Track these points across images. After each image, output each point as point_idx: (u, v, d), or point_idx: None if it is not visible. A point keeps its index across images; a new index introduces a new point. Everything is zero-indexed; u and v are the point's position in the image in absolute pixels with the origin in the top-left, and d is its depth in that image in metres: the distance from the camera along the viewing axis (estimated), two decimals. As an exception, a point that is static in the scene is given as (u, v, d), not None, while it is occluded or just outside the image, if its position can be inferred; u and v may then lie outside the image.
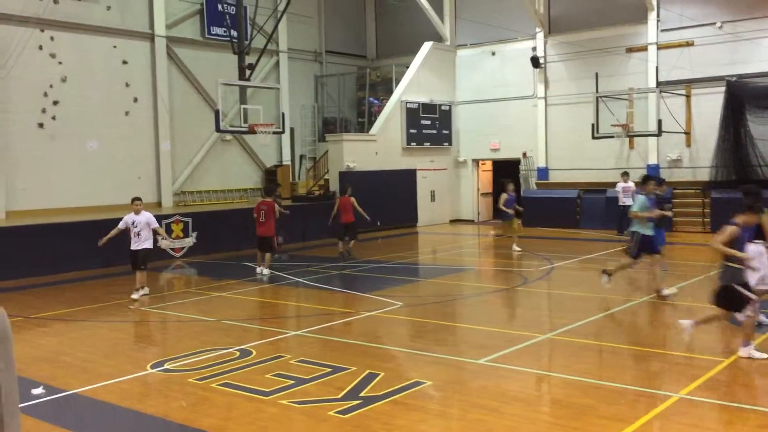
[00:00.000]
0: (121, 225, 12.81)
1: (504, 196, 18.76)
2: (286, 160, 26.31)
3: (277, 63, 26.22)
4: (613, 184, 23.68)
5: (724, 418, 6.41)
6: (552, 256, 17.27)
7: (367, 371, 7.92)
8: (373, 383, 7.52)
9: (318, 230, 21.19)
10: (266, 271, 15.29)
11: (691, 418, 6.42)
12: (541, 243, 20.69)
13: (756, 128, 20.83)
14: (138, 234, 12.70)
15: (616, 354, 8.86)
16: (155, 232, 13.17)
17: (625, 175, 21.14)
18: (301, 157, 27.77)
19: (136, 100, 21.84)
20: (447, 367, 8.30)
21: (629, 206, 18.96)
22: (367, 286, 13.88)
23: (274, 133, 19.91)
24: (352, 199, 18.20)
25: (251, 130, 18.96)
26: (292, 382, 7.67)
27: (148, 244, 12.88)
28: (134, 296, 12.74)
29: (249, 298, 13.19)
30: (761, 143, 20.81)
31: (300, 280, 14.73)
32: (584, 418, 6.45)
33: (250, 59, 19.52)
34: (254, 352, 8.97)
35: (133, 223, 12.67)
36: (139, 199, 12.99)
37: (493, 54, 27.02)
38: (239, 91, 19.56)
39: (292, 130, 26.35)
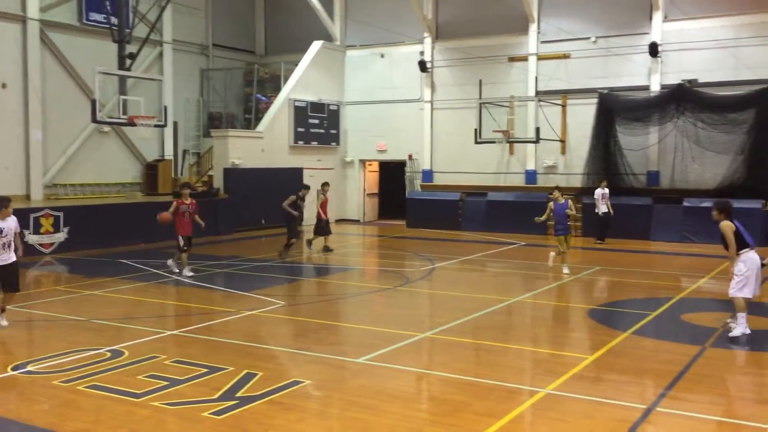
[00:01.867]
0: None
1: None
2: (169, 154, 25.46)
3: (161, 54, 25.35)
4: (495, 188, 24.58)
5: (586, 412, 6.77)
6: (434, 257, 17.65)
7: (245, 371, 7.80)
8: (250, 383, 7.41)
9: (199, 227, 20.60)
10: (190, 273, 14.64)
11: (556, 412, 6.74)
12: (423, 244, 21.11)
13: (624, 139, 22.15)
14: (7, 245, 9.93)
15: (490, 351, 9.16)
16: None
17: (604, 180, 20.60)
18: (185, 152, 26.96)
19: (4, 86, 20.50)
20: (327, 366, 8.31)
21: (606, 214, 20.00)
22: (249, 284, 13.66)
23: (156, 126, 19.27)
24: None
25: (131, 123, 18.24)
26: (166, 383, 7.44)
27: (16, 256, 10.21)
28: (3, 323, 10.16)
29: (125, 296, 12.68)
30: (629, 153, 22.15)
31: (180, 278, 14.32)
32: (458, 414, 6.63)
33: (131, 48, 18.77)
34: (127, 353, 8.63)
35: (1, 232, 9.89)
36: (7, 200, 10.09)
37: (382, 56, 27.32)
38: (119, 81, 18.74)
39: (175, 124, 25.56)
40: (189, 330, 9.97)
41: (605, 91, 22.48)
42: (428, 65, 26.01)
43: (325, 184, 19.64)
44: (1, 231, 9.83)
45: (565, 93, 23.69)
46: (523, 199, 23.66)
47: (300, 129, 25.74)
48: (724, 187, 20.49)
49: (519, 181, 24.59)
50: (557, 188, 15.76)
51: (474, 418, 6.48)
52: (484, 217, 24.01)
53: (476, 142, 22.80)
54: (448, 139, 25.87)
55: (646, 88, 22.32)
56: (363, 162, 28.24)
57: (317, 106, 26.46)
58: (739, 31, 21.11)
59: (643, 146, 22.16)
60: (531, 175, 24.45)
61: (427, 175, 26.42)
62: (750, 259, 9.37)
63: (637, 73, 22.53)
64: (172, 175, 24.94)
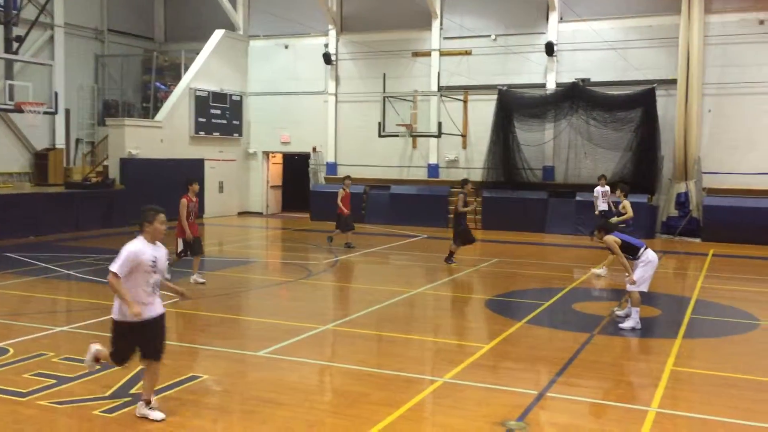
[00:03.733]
0: None
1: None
2: (60, 143, 24.28)
3: (52, 38, 24.08)
4: (398, 181, 24.84)
5: (481, 399, 6.97)
6: (337, 250, 17.67)
7: (139, 368, 7.55)
8: (145, 379, 7.20)
9: (93, 219, 19.87)
10: (201, 279, 12.69)
11: (453, 399, 6.91)
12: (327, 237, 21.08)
13: (522, 135, 22.86)
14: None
15: (392, 342, 9.27)
16: None
17: (603, 177, 18.71)
18: (78, 140, 25.80)
19: None
20: (225, 360, 8.19)
21: (606, 212, 17.62)
22: (147, 278, 13.23)
23: (45, 113, 18.41)
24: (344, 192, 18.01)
25: (18, 109, 17.35)
26: (54, 381, 7.13)
27: None
28: None
29: (11, 292, 12.03)
30: (526, 149, 22.88)
31: (71, 272, 13.72)
32: (358, 405, 6.69)
33: (18, 31, 17.80)
34: (12, 351, 8.21)
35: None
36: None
37: (287, 47, 27.04)
38: (5, 66, 17.75)
39: (67, 111, 24.40)
40: (80, 326, 9.59)
41: (504, 88, 23.12)
42: (333, 58, 25.95)
43: (347, 178, 18.91)
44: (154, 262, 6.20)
45: (467, 89, 24.19)
46: (425, 192, 24.05)
47: (201, 119, 25.15)
48: (615, 182, 21.44)
49: (422, 174, 24.95)
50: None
51: (373, 408, 6.55)
52: (388, 210, 24.24)
53: (380, 136, 22.95)
54: (353, 132, 25.92)
55: (543, 86, 23.10)
56: (266, 154, 27.89)
57: (219, 96, 25.92)
58: (628, 33, 22.17)
59: (540, 142, 22.93)
60: (433, 169, 24.86)
61: (332, 167, 26.39)
62: (648, 260, 9.81)
63: (534, 71, 23.27)
64: (64, 165, 23.83)
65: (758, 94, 20.58)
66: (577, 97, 21.98)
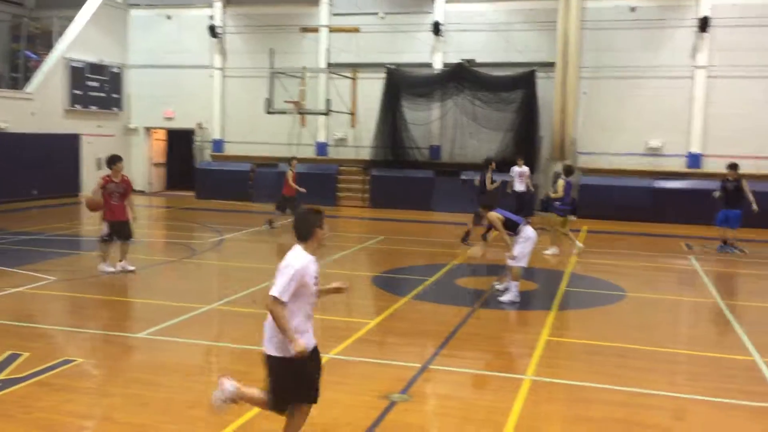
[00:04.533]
0: None
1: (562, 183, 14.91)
2: None
3: None
4: (286, 159, 24.53)
5: (366, 373, 7.07)
6: (223, 228, 17.34)
7: (9, 352, 7.17)
8: (14, 365, 6.84)
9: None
10: (130, 266, 11.67)
11: (338, 375, 6.96)
12: (213, 215, 20.66)
13: (410, 114, 23.16)
14: None
15: (277, 321, 9.21)
16: None
17: (520, 158, 18.59)
18: (-62, 112, 23.90)
19: None
20: (103, 343, 7.89)
21: (524, 193, 17.97)
22: (16, 260, 12.50)
23: None
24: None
25: None
26: None
27: None
28: None
29: None
30: (413, 128, 23.20)
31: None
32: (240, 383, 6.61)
33: None
34: None
35: None
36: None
37: (169, 18, 26.04)
38: None
39: (-76, 80, 22.55)
40: (-59, 311, 8.95)
41: (392, 67, 23.28)
42: (219, 31, 25.23)
43: (294, 158, 18.49)
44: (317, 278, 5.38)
45: (356, 66, 24.18)
46: (313, 170, 23.91)
47: (77, 92, 23.88)
48: (497, 161, 22.12)
49: (310, 152, 24.80)
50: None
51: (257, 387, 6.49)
52: (275, 188, 23.85)
53: (267, 112, 22.61)
54: (240, 108, 25.38)
55: (430, 65, 23.44)
56: (149, 129, 26.87)
57: (97, 68, 24.68)
58: (510, 16, 22.83)
59: (427, 121, 23.31)
60: (322, 147, 24.78)
61: (218, 144, 25.78)
62: (528, 236, 10.15)
63: (421, 50, 23.55)
64: None
65: (629, 78, 21.77)
66: (462, 77, 22.47)
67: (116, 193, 11.35)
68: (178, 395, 6.29)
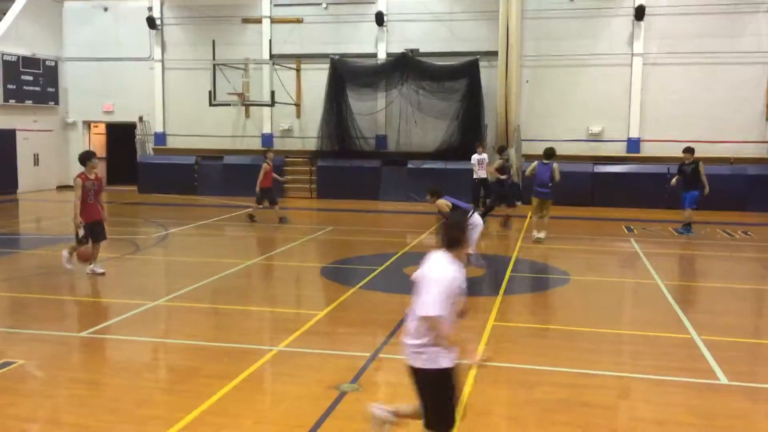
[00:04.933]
0: None
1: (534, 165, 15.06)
2: None
3: None
4: (231, 152, 24.29)
5: (315, 365, 7.08)
6: (168, 223, 17.06)
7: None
8: (-49, 370, 6.63)
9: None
10: (99, 269, 11.09)
11: (288, 367, 6.97)
12: (157, 210, 20.32)
13: (355, 104, 23.13)
14: None
15: (226, 315, 9.15)
16: None
17: (480, 145, 18.76)
18: None
19: None
20: (44, 343, 7.69)
21: (482, 179, 18.03)
22: (-49, 261, 12.10)
23: None
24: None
25: None
26: None
27: None
28: None
29: None
30: (359, 118, 23.19)
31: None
32: (189, 380, 6.56)
33: None
34: None
35: None
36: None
37: (106, 10, 25.42)
38: None
39: None
40: None
41: (337, 57, 23.20)
42: (158, 22, 24.72)
43: (269, 151, 18.28)
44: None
45: (300, 57, 24.02)
46: (259, 162, 23.66)
47: (11, 86, 23.13)
48: (442, 150, 22.39)
49: (256, 144, 24.57)
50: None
51: (206, 382, 6.45)
52: (221, 181, 23.68)
53: (211, 105, 22.29)
54: (182, 100, 24.96)
55: (374, 55, 23.44)
56: (87, 123, 26.21)
57: (31, 61, 23.93)
58: (453, 5, 22.97)
59: (372, 111, 23.33)
60: (267, 139, 24.57)
61: (160, 138, 25.32)
62: (474, 223, 10.26)
63: (365, 40, 23.53)
64: None
65: (569, 66, 22.17)
66: (406, 67, 22.54)
67: (92, 191, 10.80)
68: (125, 394, 6.19)
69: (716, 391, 6.40)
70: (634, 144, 22.04)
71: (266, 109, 24.06)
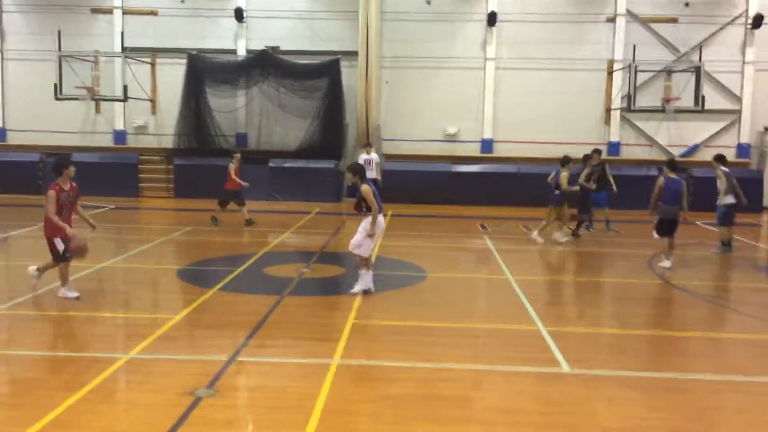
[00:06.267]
0: None
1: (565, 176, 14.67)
2: None
3: None
4: (80, 149, 22.96)
5: (169, 371, 6.84)
6: (9, 225, 15.88)
7: None
8: None
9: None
10: (72, 294, 9.45)
11: (140, 375, 6.69)
12: (-3, 211, 18.87)
13: (214, 101, 22.59)
14: None
15: (74, 322, 8.64)
16: None
17: (368, 146, 18.79)
18: None
19: None
20: None
21: (374, 180, 16.92)
22: None
23: None
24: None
25: None
26: None
27: None
28: None
29: None
30: (219, 115, 22.67)
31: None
32: (29, 393, 6.14)
33: None
34: None
35: None
36: None
37: (-66, -7, 23.26)
38: None
39: None
40: None
41: (194, 52, 22.54)
42: (-4, 9, 22.97)
43: (237, 151, 17.34)
44: None
45: (155, 51, 23.13)
46: (110, 160, 22.65)
47: None
48: (304, 149, 22.35)
49: (107, 141, 23.43)
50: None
51: (48, 394, 6.06)
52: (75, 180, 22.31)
53: (57, 99, 20.97)
54: (24, 94, 23.34)
55: (234, 51, 22.99)
56: None
57: None
58: (314, 4, 22.97)
59: (232, 108, 22.89)
60: (120, 136, 23.49)
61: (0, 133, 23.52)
62: (378, 223, 9.83)
63: (224, 36, 23.04)
64: None
65: (426, 68, 22.79)
66: (267, 64, 22.30)
67: (66, 204, 9.37)
68: (-46, 412, 5.70)
69: (559, 379, 6.81)
70: (487, 145, 23.00)
71: (119, 105, 22.98)
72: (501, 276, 11.63)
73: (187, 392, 6.18)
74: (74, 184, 9.59)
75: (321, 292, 10.49)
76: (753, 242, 16.26)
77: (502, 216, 19.21)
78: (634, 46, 20.62)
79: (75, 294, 9.39)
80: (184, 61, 22.43)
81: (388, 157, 22.56)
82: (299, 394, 6.32)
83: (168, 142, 22.76)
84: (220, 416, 5.78)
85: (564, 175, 14.67)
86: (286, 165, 21.97)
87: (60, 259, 9.39)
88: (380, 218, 9.87)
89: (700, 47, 21.48)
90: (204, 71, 22.45)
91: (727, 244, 14.17)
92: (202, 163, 22.14)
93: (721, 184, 13.87)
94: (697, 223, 16.84)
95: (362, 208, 9.83)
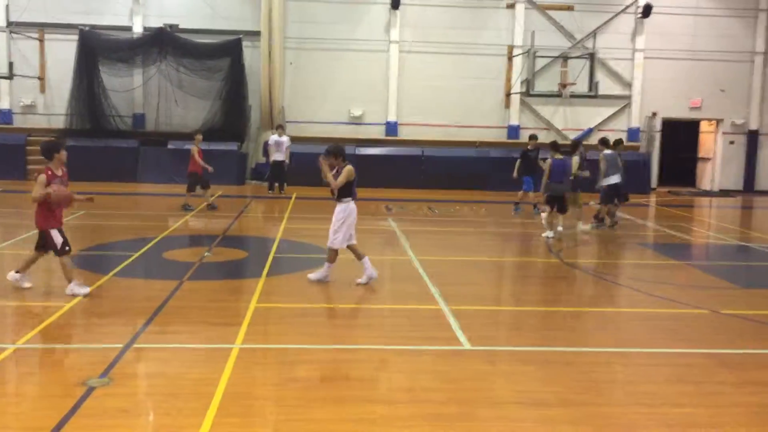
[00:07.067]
0: None
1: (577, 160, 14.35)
2: None
3: None
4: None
5: (56, 362, 6.54)
6: None
7: None
8: None
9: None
10: (82, 290, 8.63)
11: (28, 366, 6.37)
12: None
13: (109, 80, 21.68)
14: None
15: (-48, 313, 8.12)
16: None
17: (280, 128, 19.34)
18: None
19: None
20: None
21: (282, 161, 18.28)
22: None
23: None
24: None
25: None
26: None
27: None
28: None
29: None
30: (114, 95, 21.77)
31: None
32: None
33: None
34: None
35: None
36: None
37: None
38: None
39: None
40: None
41: (86, 29, 21.51)
42: None
43: (198, 133, 16.56)
44: None
45: (43, 27, 21.92)
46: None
47: None
48: (205, 131, 21.74)
49: (-9, 121, 22.08)
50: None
51: (-76, 390, 5.67)
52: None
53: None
54: None
55: (129, 29, 22.11)
56: None
57: None
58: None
59: (128, 88, 22.04)
60: (6, 115, 22.20)
61: None
62: (352, 209, 9.66)
63: (119, 12, 22.13)
64: None
65: (331, 50, 22.66)
66: (165, 43, 21.59)
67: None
68: None
69: (460, 356, 6.95)
70: (392, 127, 23.14)
71: (4, 83, 21.71)
72: (404, 257, 11.75)
73: (79, 382, 5.91)
74: (64, 170, 8.81)
75: (223, 276, 10.28)
76: (641, 220, 17.12)
77: (407, 198, 19.40)
78: (533, 32, 21.21)
79: (85, 289, 8.67)
80: (76, 37, 21.36)
81: (294, 140, 22.29)
82: (199, 379, 6.17)
83: (59, 122, 21.70)
84: (115, 405, 5.56)
85: (575, 159, 14.44)
86: (187, 147, 21.29)
87: (60, 252, 8.68)
88: (352, 204, 9.67)
89: (594, 35, 22.32)
90: (97, 49, 21.48)
91: (600, 220, 14.99)
92: (97, 145, 21.25)
93: (602, 166, 14.67)
94: (591, 203, 17.57)
95: (335, 193, 9.54)
